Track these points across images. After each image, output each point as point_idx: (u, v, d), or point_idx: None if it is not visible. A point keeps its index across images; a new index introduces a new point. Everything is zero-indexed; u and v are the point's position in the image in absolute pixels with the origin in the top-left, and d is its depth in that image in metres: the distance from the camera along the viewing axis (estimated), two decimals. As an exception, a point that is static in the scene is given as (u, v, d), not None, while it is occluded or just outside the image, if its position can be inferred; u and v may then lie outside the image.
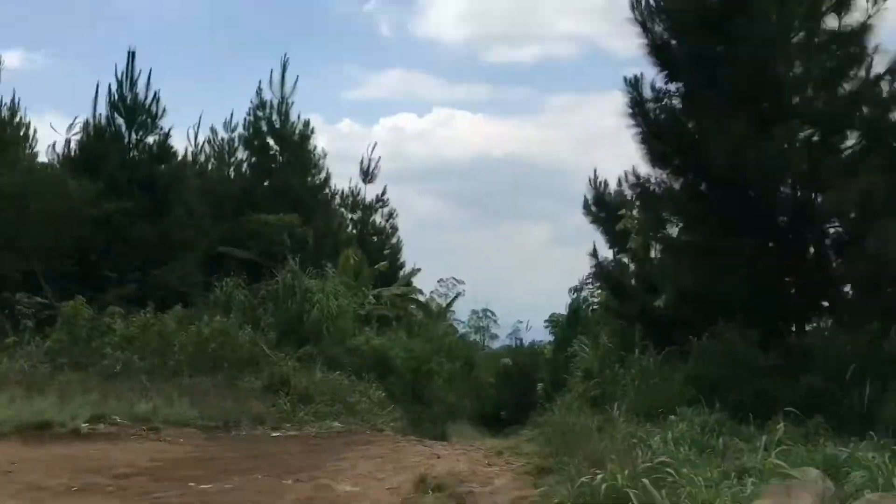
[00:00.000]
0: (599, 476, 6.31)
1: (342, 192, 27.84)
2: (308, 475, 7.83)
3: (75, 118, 22.26)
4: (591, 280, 23.46)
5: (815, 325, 12.34)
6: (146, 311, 14.78)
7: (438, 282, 38.59)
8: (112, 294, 16.23)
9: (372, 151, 29.51)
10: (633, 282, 15.79)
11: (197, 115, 26.27)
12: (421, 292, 32.14)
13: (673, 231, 13.67)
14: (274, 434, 10.70)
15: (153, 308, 15.08)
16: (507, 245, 61.77)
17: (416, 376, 17.78)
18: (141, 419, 9.80)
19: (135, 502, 6.44)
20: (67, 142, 22.23)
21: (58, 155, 21.53)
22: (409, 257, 29.64)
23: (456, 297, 35.05)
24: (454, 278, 37.95)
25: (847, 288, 12.28)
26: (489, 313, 40.78)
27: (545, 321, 34.73)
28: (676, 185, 12.85)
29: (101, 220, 17.56)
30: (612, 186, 18.22)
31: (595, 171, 19.91)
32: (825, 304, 12.32)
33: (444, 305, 33.02)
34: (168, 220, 19.37)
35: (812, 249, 12.16)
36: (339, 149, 50.34)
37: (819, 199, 11.61)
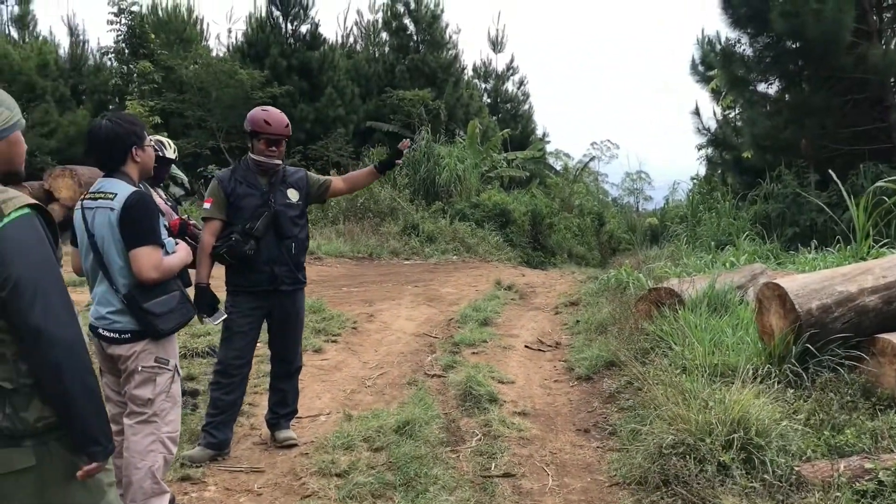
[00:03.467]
0: (613, 273, 8.96)
1: (474, 64, 30.25)
2: (423, 283, 10.96)
3: (231, 7, 25.66)
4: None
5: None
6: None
7: (591, 144, 40.17)
8: (281, 165, 19.95)
9: (498, 20, 32.11)
10: (723, 134, 17.40)
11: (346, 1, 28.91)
12: (567, 155, 34.36)
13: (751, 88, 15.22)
14: (405, 262, 14.04)
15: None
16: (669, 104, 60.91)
17: (536, 227, 20.41)
18: (308, 252, 13.20)
19: (307, 295, 9.63)
20: (229, 31, 25.98)
21: (225, 47, 25.31)
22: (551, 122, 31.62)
23: (591, 159, 36.84)
24: (609, 141, 39.50)
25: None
26: (643, 175, 42.06)
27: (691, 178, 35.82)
28: (749, 48, 14.36)
29: (267, 102, 21.08)
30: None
31: (702, 30, 21.07)
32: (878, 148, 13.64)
33: (579, 167, 34.79)
34: (322, 100, 22.69)
35: (868, 100, 13.45)
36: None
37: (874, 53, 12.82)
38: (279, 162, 4.47)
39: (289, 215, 4.42)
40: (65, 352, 1.93)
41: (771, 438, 3.72)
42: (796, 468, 3.54)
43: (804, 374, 4.63)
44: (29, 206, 1.99)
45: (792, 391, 4.53)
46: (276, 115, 4.46)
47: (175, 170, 5.53)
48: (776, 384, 4.48)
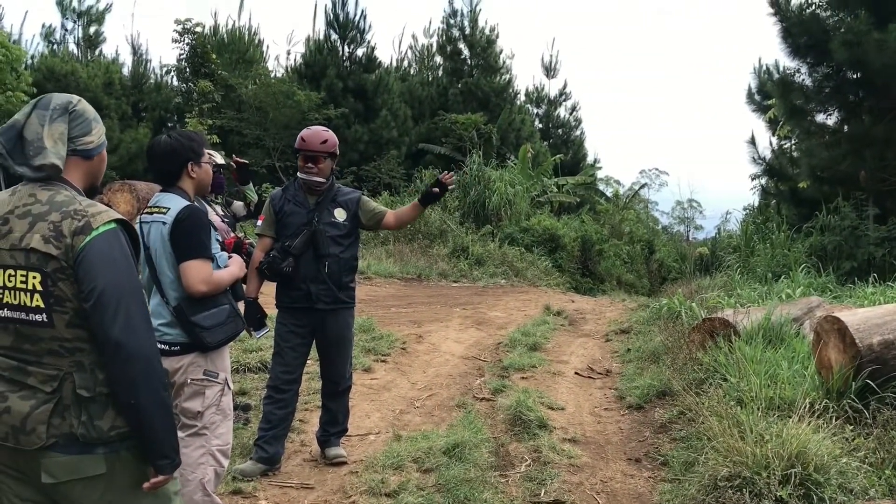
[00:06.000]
0: (665, 301, 8.85)
1: (527, 89, 30.41)
2: (472, 306, 10.96)
3: (292, 31, 26.37)
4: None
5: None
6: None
7: (640, 172, 39.91)
8: (334, 184, 20.32)
9: (552, 46, 32.56)
10: (779, 164, 17.14)
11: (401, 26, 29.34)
12: (618, 182, 34.12)
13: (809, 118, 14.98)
14: (453, 284, 14.07)
15: (367, 195, 18.89)
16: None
17: (585, 254, 20.29)
18: (357, 272, 13.32)
19: (356, 315, 9.71)
20: (288, 53, 26.75)
21: (284, 68, 25.89)
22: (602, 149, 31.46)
23: (641, 186, 36.57)
24: (657, 169, 39.15)
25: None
26: (694, 203, 41.53)
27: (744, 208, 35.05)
28: (808, 78, 14.14)
29: (323, 123, 21.44)
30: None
31: (760, 59, 20.85)
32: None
33: (629, 194, 34.45)
34: (376, 122, 22.98)
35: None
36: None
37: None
38: (320, 180, 4.48)
39: (329, 234, 4.44)
40: (143, 366, 2.00)
41: (830, 475, 3.63)
42: (857, 507, 3.45)
43: (864, 411, 4.52)
44: (115, 220, 2.07)
45: (851, 428, 4.41)
46: (311, 132, 4.50)
47: (250, 189, 5.63)
48: (834, 420, 4.37)
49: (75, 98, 2.19)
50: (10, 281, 1.99)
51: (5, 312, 2.00)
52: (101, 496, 2.04)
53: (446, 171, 4.84)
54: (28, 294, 1.98)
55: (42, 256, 1.97)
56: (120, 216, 2.10)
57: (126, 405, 2.00)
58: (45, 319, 1.98)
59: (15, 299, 1.99)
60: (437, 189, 4.58)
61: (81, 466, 2.00)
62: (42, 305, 1.98)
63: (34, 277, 1.98)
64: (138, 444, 2.05)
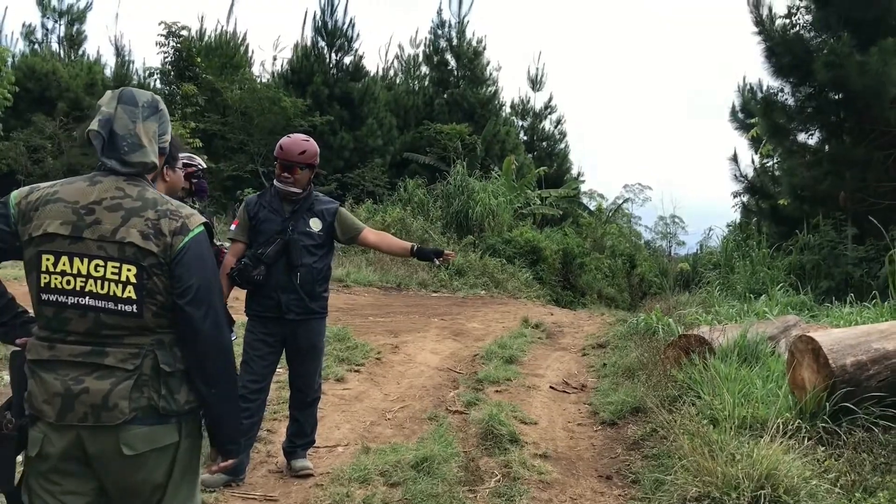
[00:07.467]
0: (643, 317, 8.83)
1: (512, 101, 30.49)
2: (450, 317, 10.90)
3: (278, 36, 26.21)
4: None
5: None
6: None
7: (624, 187, 40.11)
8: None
9: (538, 59, 32.62)
10: (760, 183, 17.23)
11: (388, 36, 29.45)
12: (601, 196, 34.25)
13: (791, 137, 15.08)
14: (433, 294, 14.01)
15: (350, 203, 18.85)
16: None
17: (566, 266, 20.31)
18: (336, 280, 13.26)
19: (332, 323, 9.63)
20: (274, 58, 26.56)
21: (271, 73, 25.82)
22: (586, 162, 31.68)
23: (625, 200, 36.74)
24: (640, 183, 39.38)
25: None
26: (677, 219, 41.80)
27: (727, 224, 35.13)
28: (791, 98, 14.24)
29: (308, 130, 21.37)
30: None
31: (744, 78, 20.98)
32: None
33: (612, 208, 34.58)
34: (362, 130, 22.94)
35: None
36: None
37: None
38: (296, 190, 4.39)
39: (303, 244, 4.34)
40: (225, 357, 2.19)
41: (800, 497, 3.59)
42: (825, 531, 3.41)
43: (837, 432, 4.49)
44: (202, 223, 2.20)
45: (823, 449, 4.38)
46: (290, 141, 4.41)
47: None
48: (806, 440, 4.34)
49: (156, 96, 2.26)
50: (96, 271, 2.04)
51: (87, 301, 2.04)
52: (170, 464, 2.15)
53: (452, 252, 4.90)
54: (120, 285, 2.05)
55: (140, 251, 2.05)
56: (204, 219, 2.22)
57: (207, 394, 2.15)
58: (136, 310, 2.07)
59: (102, 289, 2.04)
60: (436, 255, 4.59)
61: (159, 436, 2.11)
62: (134, 297, 2.06)
63: (129, 270, 2.05)
64: (198, 417, 2.20)
